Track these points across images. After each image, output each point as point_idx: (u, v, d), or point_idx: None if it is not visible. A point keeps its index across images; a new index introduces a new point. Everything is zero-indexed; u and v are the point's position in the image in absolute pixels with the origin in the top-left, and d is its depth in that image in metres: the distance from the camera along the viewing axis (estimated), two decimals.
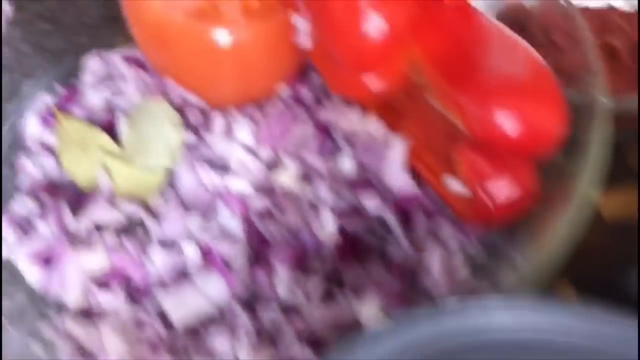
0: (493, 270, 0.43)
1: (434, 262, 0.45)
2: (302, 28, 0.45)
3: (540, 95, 0.41)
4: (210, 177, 0.48)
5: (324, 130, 0.54)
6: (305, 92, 0.55)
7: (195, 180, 0.48)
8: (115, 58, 0.55)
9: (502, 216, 0.42)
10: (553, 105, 0.41)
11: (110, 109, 0.52)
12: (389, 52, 0.40)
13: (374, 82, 0.42)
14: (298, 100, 0.55)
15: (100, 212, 0.47)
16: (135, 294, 0.44)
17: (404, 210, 0.48)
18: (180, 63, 0.49)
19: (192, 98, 0.52)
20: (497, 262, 0.44)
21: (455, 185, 0.45)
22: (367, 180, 0.51)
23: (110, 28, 0.67)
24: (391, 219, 0.48)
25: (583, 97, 0.46)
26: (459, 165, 0.42)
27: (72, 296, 0.43)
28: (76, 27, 0.68)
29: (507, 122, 0.38)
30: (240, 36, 0.47)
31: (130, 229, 0.48)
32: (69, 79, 0.59)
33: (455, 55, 0.41)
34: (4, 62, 0.62)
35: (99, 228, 0.48)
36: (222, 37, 0.47)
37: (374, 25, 0.39)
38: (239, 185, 0.48)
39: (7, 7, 0.74)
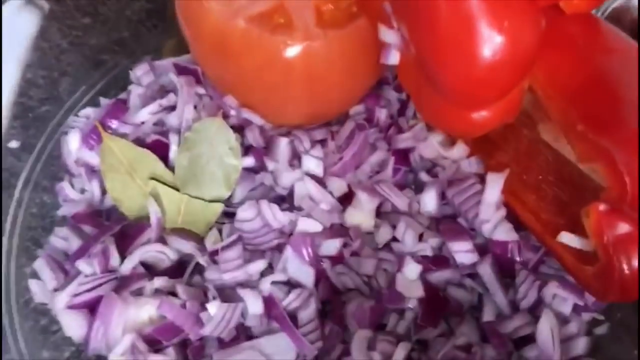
0: (619, 352, 0.36)
1: (543, 328, 0.37)
2: (392, 42, 0.37)
3: None
4: (275, 215, 0.41)
5: (403, 158, 0.46)
6: (380, 112, 0.48)
7: (257, 216, 0.41)
8: (166, 67, 0.48)
9: (635, 286, 0.34)
10: None
11: (161, 128, 0.46)
12: (510, 83, 0.32)
13: (484, 119, 0.34)
14: (372, 121, 0.48)
15: (150, 251, 0.41)
16: (189, 355, 0.38)
17: (502, 261, 0.41)
18: (242, 76, 0.42)
19: (254, 116, 0.45)
20: (623, 343, 0.36)
21: (571, 239, 0.37)
22: (455, 222, 0.43)
23: (153, 23, 0.62)
24: (487, 272, 0.40)
25: None
26: (585, 219, 0.34)
27: (117, 354, 0.37)
28: (117, 21, 0.63)
29: None
30: (312, 46, 0.40)
31: (184, 272, 0.42)
32: (114, 88, 0.54)
33: (589, 84, 0.33)
34: (39, 58, 0.57)
35: (148, 268, 0.42)
36: (292, 46, 0.40)
37: (496, 45, 0.30)
38: (308, 225, 0.41)
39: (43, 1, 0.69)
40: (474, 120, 0.34)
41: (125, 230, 0.43)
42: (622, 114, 0.31)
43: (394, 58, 0.37)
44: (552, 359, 0.36)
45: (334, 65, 0.41)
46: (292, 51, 0.39)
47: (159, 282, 0.40)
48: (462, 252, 0.41)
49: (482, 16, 0.30)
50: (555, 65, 0.34)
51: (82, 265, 0.40)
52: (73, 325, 0.38)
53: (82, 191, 0.46)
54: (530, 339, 0.38)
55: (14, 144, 0.47)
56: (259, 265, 0.40)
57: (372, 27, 0.39)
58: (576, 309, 0.38)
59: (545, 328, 0.37)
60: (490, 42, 0.30)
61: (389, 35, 0.37)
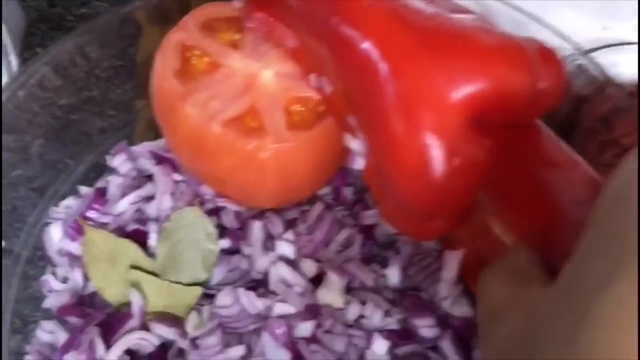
0: None
1: None
2: (357, 150, 0.40)
3: None
4: (253, 302, 0.44)
5: (368, 235, 0.50)
6: (346, 190, 0.52)
7: (235, 303, 0.44)
8: (143, 153, 0.51)
9: None
10: None
11: (141, 215, 0.48)
12: (462, 202, 0.36)
13: (440, 226, 0.38)
14: (339, 199, 0.51)
15: (133, 339, 0.44)
16: None
17: (462, 334, 0.45)
18: (217, 173, 0.45)
19: (228, 204, 0.48)
20: None
21: None
22: (417, 297, 0.47)
23: (122, 80, 0.64)
24: (448, 346, 0.44)
25: None
26: None
27: None
28: (87, 80, 0.64)
29: None
30: (283, 147, 0.43)
31: (166, 355, 0.44)
32: (87, 152, 0.56)
33: (533, 195, 0.37)
34: (12, 123, 0.58)
35: (132, 354, 0.44)
36: (265, 149, 0.43)
37: (447, 167, 0.34)
38: (283, 309, 0.44)
39: (13, 59, 0.70)
40: (430, 227, 0.38)
41: (109, 319, 0.45)
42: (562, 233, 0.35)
43: (358, 164, 0.41)
44: None
45: (304, 161, 0.44)
46: (265, 153, 0.42)
47: None
48: (425, 327, 0.45)
49: (435, 137, 0.34)
50: (500, 178, 0.38)
51: (70, 358, 0.42)
52: None
53: (65, 280, 0.48)
54: None
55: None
56: (239, 350, 0.43)
57: (338, 125, 0.43)
58: None
59: None
60: (443, 171, 0.34)
61: (353, 143, 0.40)
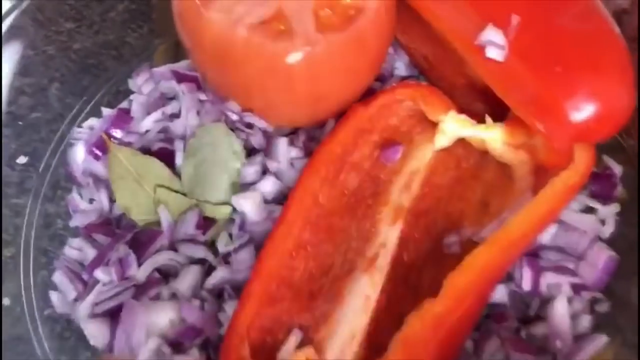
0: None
1: (558, 308, 0.40)
2: (497, 42, 0.38)
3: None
4: None
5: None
6: None
7: (267, 219, 0.43)
8: (165, 74, 0.49)
9: None
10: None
11: (166, 135, 0.46)
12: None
13: None
14: None
15: (163, 256, 0.43)
16: (211, 353, 0.39)
17: None
18: (244, 83, 0.43)
19: (256, 120, 0.46)
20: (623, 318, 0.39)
21: None
22: None
23: (138, 24, 0.61)
24: None
25: None
26: None
27: (143, 358, 0.38)
28: (101, 23, 0.63)
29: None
30: (313, 51, 0.41)
31: (197, 274, 0.43)
32: (107, 94, 0.55)
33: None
34: (27, 65, 0.57)
35: (161, 273, 0.43)
36: (293, 52, 0.41)
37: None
38: None
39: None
40: None
41: (137, 237, 0.44)
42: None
43: (497, 55, 0.38)
44: (565, 336, 0.39)
45: (335, 68, 0.42)
46: (294, 57, 0.40)
47: (175, 286, 0.42)
48: None
49: None
50: None
51: (100, 274, 0.41)
52: (96, 334, 0.39)
53: (91, 201, 0.46)
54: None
55: (22, 160, 0.47)
56: None
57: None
58: (575, 289, 0.41)
59: (561, 307, 0.40)
60: None
61: (494, 35, 0.38)
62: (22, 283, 0.42)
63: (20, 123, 0.53)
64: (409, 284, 0.42)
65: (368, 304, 0.39)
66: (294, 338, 0.37)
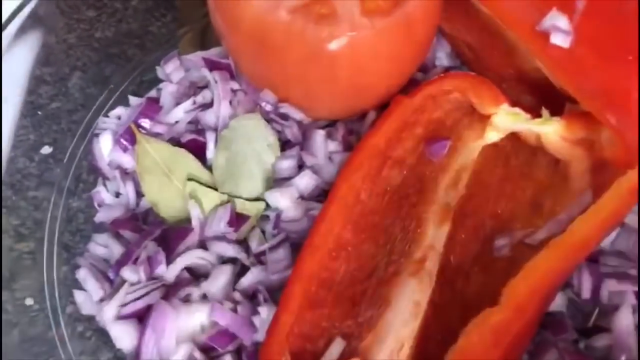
0: None
1: (622, 318, 0.37)
2: (562, 27, 0.36)
3: None
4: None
5: None
6: None
7: (304, 216, 0.40)
8: (196, 62, 0.46)
9: None
10: None
11: (196, 126, 0.44)
12: None
13: None
14: None
15: (193, 255, 0.40)
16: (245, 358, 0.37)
17: None
18: (283, 70, 0.40)
19: (293, 111, 0.43)
20: None
21: None
22: None
23: (162, 12, 0.59)
24: None
25: None
26: None
27: None
28: (124, 12, 0.61)
29: None
30: (358, 36, 0.38)
31: (229, 275, 0.40)
32: (132, 84, 0.52)
33: None
34: (48, 54, 0.55)
35: (192, 273, 0.40)
36: (338, 38, 0.38)
37: None
38: None
39: None
40: None
41: (166, 235, 0.41)
42: None
43: (563, 41, 0.36)
44: (631, 349, 0.36)
45: (380, 55, 0.39)
46: (338, 43, 0.37)
47: (206, 287, 0.39)
48: None
49: None
50: None
51: (127, 273, 0.39)
52: (123, 337, 0.37)
53: (117, 195, 0.44)
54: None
55: (46, 150, 0.45)
56: None
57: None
58: None
59: (626, 317, 0.37)
60: None
61: (561, 20, 0.36)
62: (45, 279, 0.40)
63: (39, 113, 0.52)
64: (456, 289, 0.39)
65: (418, 311, 0.36)
66: (336, 347, 0.35)
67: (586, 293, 0.38)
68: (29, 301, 0.38)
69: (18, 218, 0.41)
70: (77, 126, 0.47)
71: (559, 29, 0.35)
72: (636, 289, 0.38)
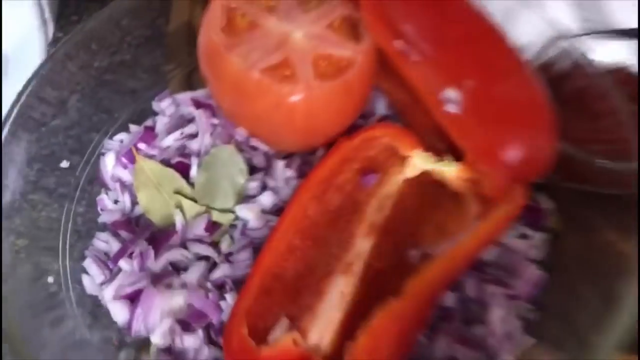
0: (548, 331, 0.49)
1: (494, 313, 0.50)
2: (454, 99, 0.49)
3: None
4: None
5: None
6: None
7: (264, 226, 0.52)
8: (185, 100, 0.58)
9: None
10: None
11: (183, 151, 0.55)
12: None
13: None
14: None
15: (176, 252, 0.51)
16: (212, 335, 0.48)
17: None
18: (254, 114, 0.52)
19: (260, 144, 0.55)
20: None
21: None
22: None
23: (151, 48, 0.69)
24: None
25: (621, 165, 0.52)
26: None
27: (158, 335, 0.47)
28: (119, 45, 0.71)
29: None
30: (311, 93, 0.51)
31: (203, 269, 0.52)
32: (120, 106, 0.63)
33: None
34: (49, 77, 0.64)
35: (175, 267, 0.52)
36: (296, 94, 0.50)
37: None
38: None
39: (50, 27, 0.76)
40: None
41: (155, 235, 0.52)
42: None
43: (453, 109, 0.49)
44: (498, 335, 0.49)
45: (328, 108, 0.52)
46: (297, 97, 0.50)
47: (185, 277, 0.50)
48: None
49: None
50: None
51: (123, 264, 0.50)
52: (119, 313, 0.48)
53: (116, 202, 0.55)
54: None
55: (64, 164, 0.56)
56: None
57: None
58: (509, 299, 0.51)
59: (497, 313, 0.50)
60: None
61: (452, 94, 0.49)
62: (60, 264, 0.50)
63: (43, 129, 0.61)
64: (377, 286, 0.52)
65: (344, 300, 0.48)
66: (282, 324, 0.46)
67: (471, 293, 0.51)
68: (50, 279, 0.49)
69: (38, 219, 0.52)
70: (86, 147, 0.57)
71: (452, 100, 0.48)
72: (506, 292, 0.52)
